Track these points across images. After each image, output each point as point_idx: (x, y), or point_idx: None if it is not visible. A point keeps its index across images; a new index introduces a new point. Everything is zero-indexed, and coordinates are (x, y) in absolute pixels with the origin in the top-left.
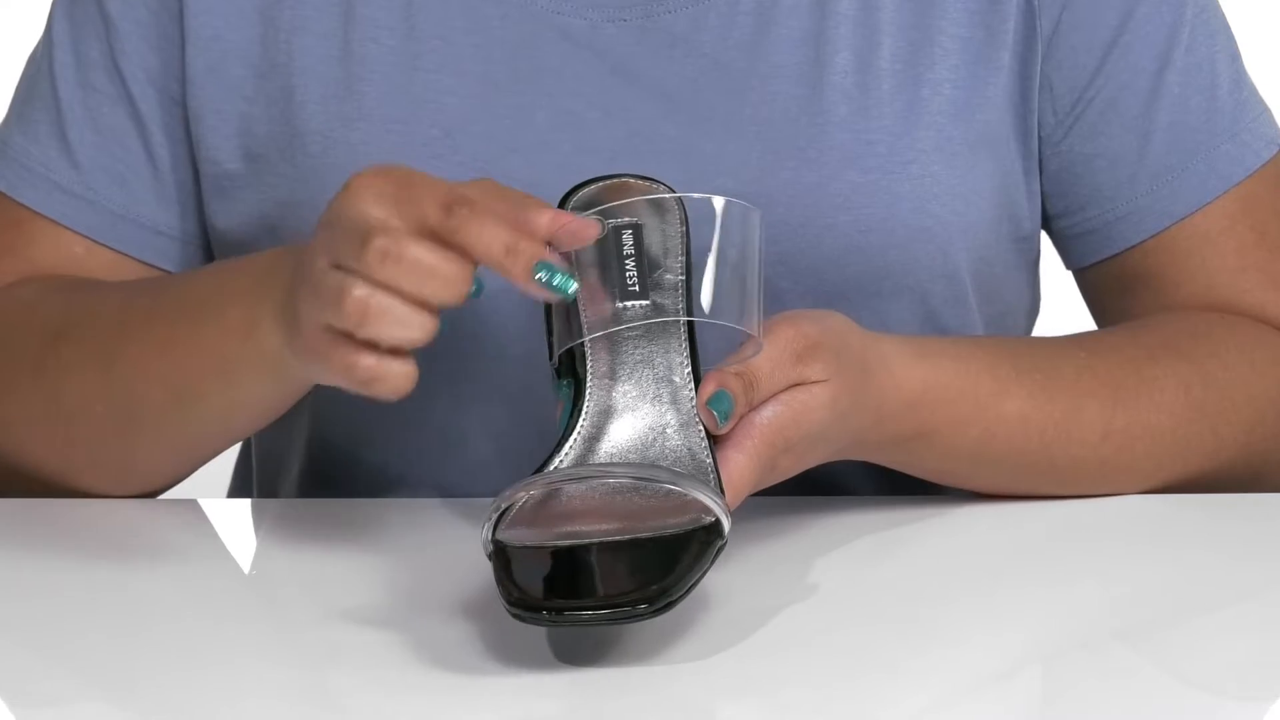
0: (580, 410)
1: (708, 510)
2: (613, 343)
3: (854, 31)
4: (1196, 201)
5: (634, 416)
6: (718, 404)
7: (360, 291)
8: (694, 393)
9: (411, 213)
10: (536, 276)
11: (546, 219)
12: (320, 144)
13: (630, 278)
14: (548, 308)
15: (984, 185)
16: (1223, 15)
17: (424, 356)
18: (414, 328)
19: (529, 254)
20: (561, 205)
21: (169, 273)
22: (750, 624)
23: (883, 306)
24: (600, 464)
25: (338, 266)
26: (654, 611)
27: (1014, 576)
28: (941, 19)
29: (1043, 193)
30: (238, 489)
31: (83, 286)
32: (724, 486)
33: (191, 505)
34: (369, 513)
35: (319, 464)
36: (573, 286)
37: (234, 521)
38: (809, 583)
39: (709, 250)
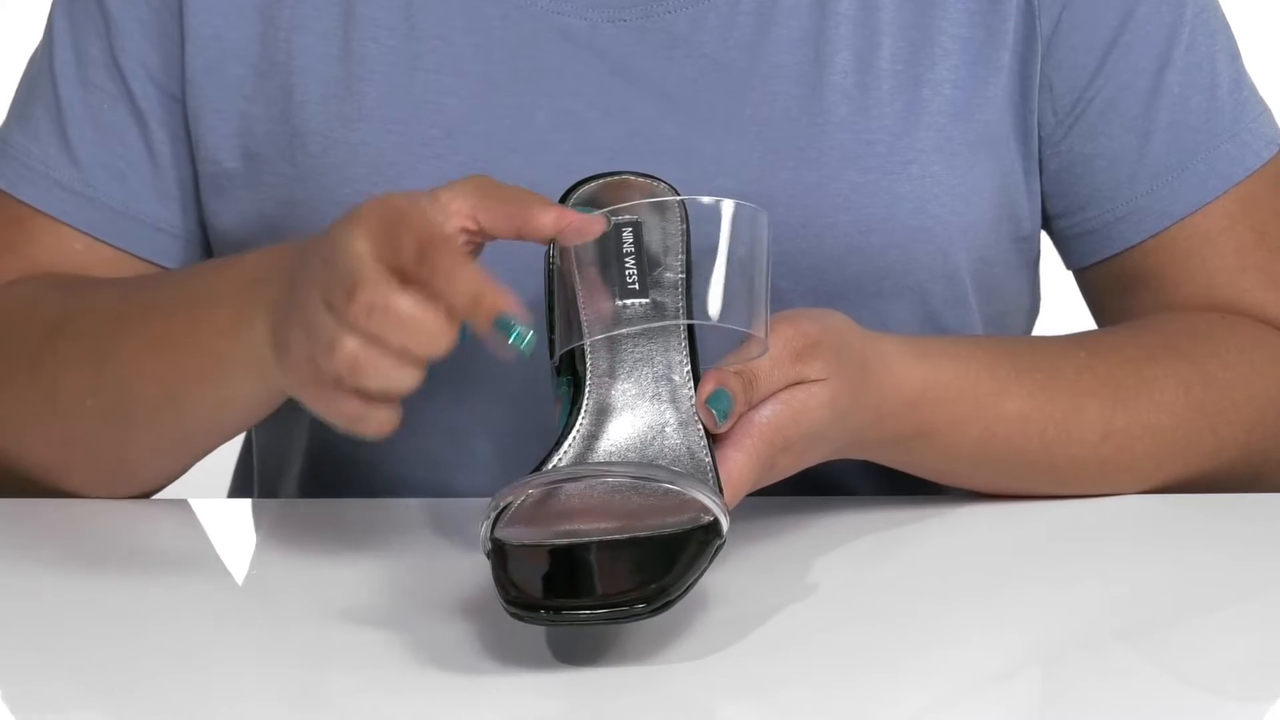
0: (579, 408)
1: (706, 509)
2: (612, 341)
3: (854, 31)
4: (1196, 201)
5: (633, 415)
6: (717, 403)
7: (351, 346)
8: (693, 391)
9: (394, 257)
10: (498, 326)
11: (551, 218)
12: (320, 144)
13: (630, 275)
14: (549, 306)
15: (984, 185)
16: (1223, 15)
17: None
18: (400, 380)
19: (489, 305)
20: (561, 202)
21: (166, 269)
22: (749, 624)
23: (883, 306)
24: (598, 463)
25: (330, 307)
26: (652, 611)
27: (1014, 576)
28: (941, 19)
29: (1043, 193)
30: (238, 489)
31: (80, 283)
32: (723, 485)
33: (191, 505)
34: (369, 513)
35: (319, 464)
36: (528, 342)
37: (234, 522)
38: (808, 582)
39: (717, 253)
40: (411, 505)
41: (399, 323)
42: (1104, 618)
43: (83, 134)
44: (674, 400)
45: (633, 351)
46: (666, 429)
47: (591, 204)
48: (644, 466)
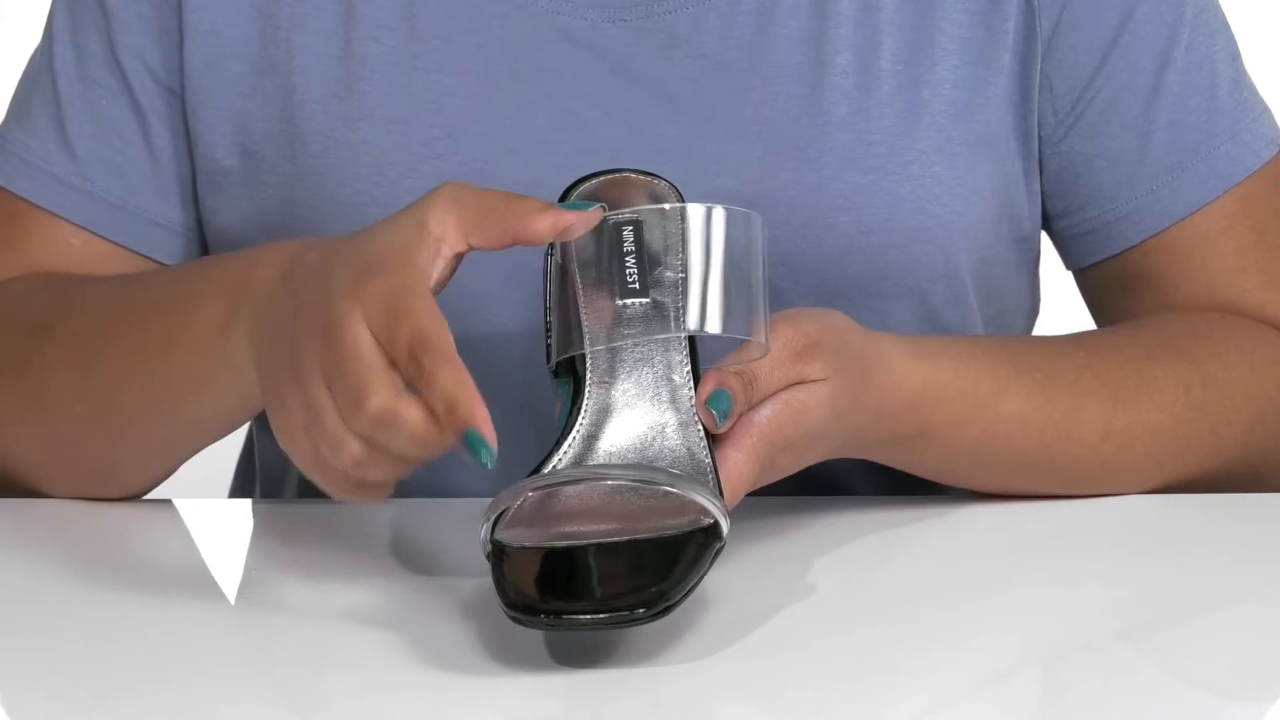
0: (579, 409)
1: (706, 512)
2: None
3: (854, 32)
4: (1197, 201)
5: (633, 415)
6: (717, 403)
7: (356, 449)
8: (693, 392)
9: (391, 350)
10: (465, 441)
11: (547, 224)
12: (321, 144)
13: (630, 275)
14: (546, 306)
15: (984, 185)
16: (1223, 15)
17: None
18: (399, 473)
19: (462, 418)
20: (562, 200)
21: (157, 268)
22: (749, 624)
23: (883, 307)
24: (598, 465)
25: (332, 396)
26: (652, 616)
27: (1014, 576)
28: (941, 19)
29: (1043, 193)
30: (239, 490)
31: (68, 282)
32: (722, 485)
33: (191, 506)
34: (369, 513)
35: None
36: (489, 463)
37: (234, 522)
38: (808, 583)
39: (714, 261)
40: (411, 505)
41: (408, 435)
42: (1105, 618)
43: (81, 129)
44: (674, 401)
45: (633, 352)
46: (666, 429)
47: (591, 201)
48: (643, 469)
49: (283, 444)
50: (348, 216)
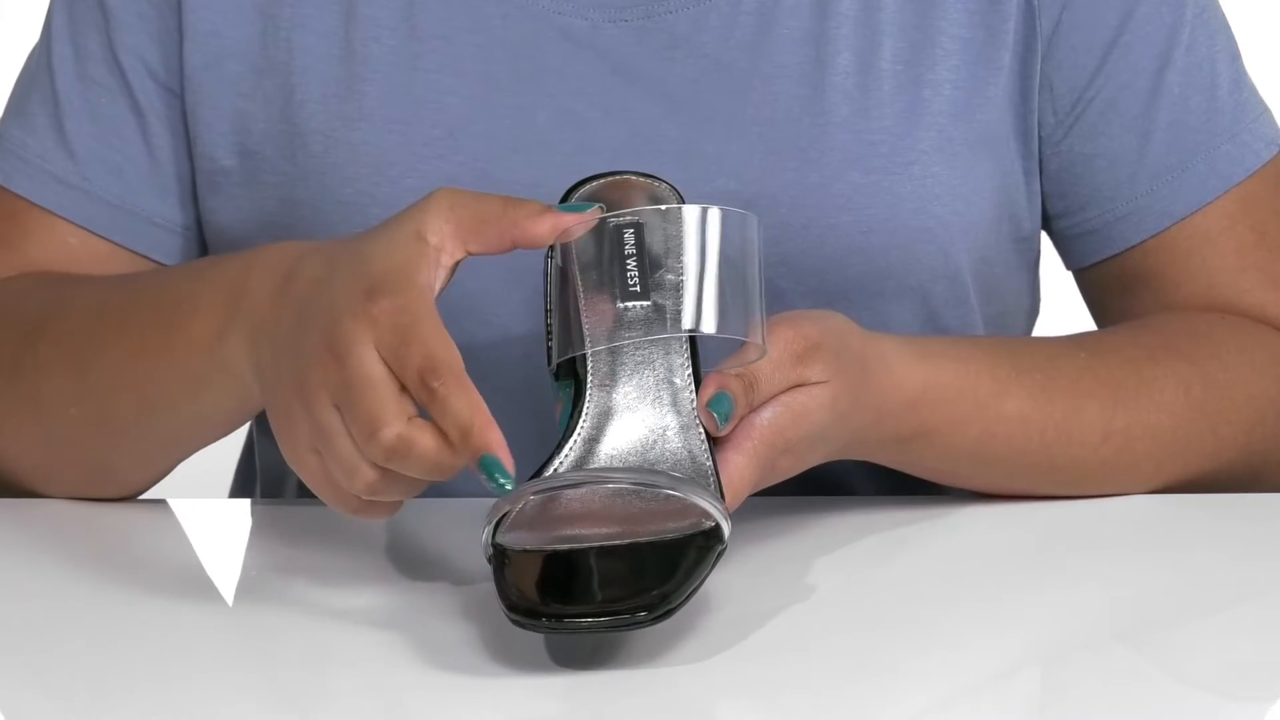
0: (580, 411)
1: (708, 515)
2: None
3: (855, 32)
4: (1197, 201)
5: (634, 418)
6: (718, 406)
7: (371, 476)
8: (694, 395)
9: (402, 375)
10: (481, 466)
11: (546, 227)
12: (321, 143)
13: (631, 277)
14: (547, 309)
15: (984, 185)
16: (1223, 15)
17: None
18: (410, 494)
19: (477, 445)
20: (562, 202)
21: (154, 269)
22: (750, 626)
23: (884, 307)
24: (599, 469)
25: (343, 418)
26: (653, 619)
27: (1015, 577)
28: (942, 19)
29: (1043, 193)
30: (239, 490)
31: (66, 282)
32: (723, 488)
33: (190, 506)
34: None
35: None
36: (508, 490)
37: (234, 522)
38: (809, 584)
39: (709, 262)
40: (411, 506)
41: (421, 462)
42: (1105, 618)
43: (80, 128)
44: (675, 404)
45: (634, 355)
46: (668, 432)
47: (591, 203)
48: (645, 472)
49: (289, 461)
50: (348, 216)
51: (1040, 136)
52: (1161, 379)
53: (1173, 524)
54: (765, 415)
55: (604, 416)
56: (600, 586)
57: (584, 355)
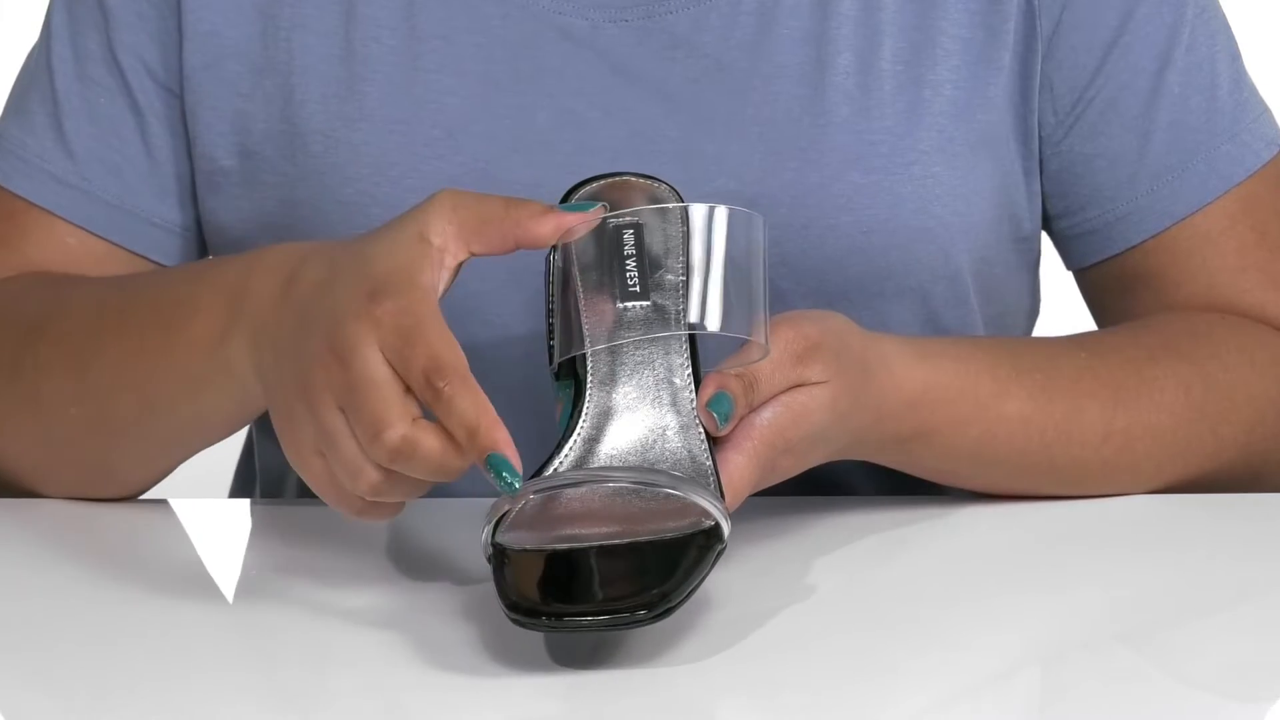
0: (580, 411)
1: (707, 514)
2: (613, 345)
3: (855, 32)
4: (1197, 201)
5: (634, 418)
6: (718, 406)
7: (375, 478)
8: (694, 395)
9: (406, 376)
10: (488, 464)
11: (549, 227)
12: (321, 144)
13: (631, 278)
14: (548, 309)
15: (985, 186)
16: (1223, 15)
17: None
18: (415, 495)
19: (484, 444)
20: (563, 203)
21: (153, 269)
22: (750, 625)
23: (884, 307)
24: (599, 468)
25: (346, 418)
26: (653, 618)
27: (1015, 577)
28: (942, 19)
29: (1043, 193)
30: (239, 490)
31: (65, 282)
32: (723, 488)
33: (190, 506)
34: None
35: None
36: (516, 488)
37: (234, 522)
38: (809, 584)
39: (714, 261)
40: (412, 506)
41: (425, 462)
42: (1105, 618)
43: (79, 128)
44: (675, 404)
45: (634, 355)
46: (667, 432)
47: (592, 201)
48: (645, 472)
49: (293, 463)
50: (349, 217)
51: (1040, 136)
52: (1162, 379)
53: (1173, 524)
54: (765, 415)
55: (604, 416)
56: (600, 586)
57: (584, 355)
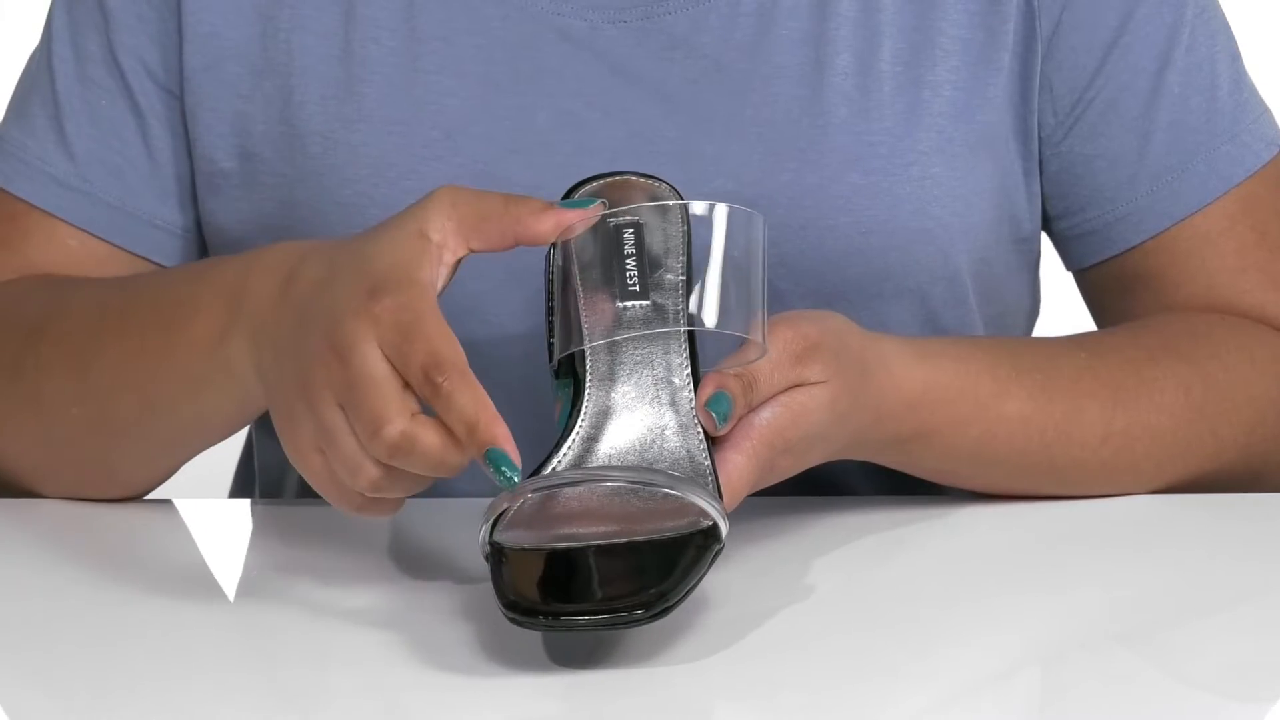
0: (579, 411)
1: (705, 514)
2: (612, 344)
3: (854, 33)
4: (1197, 202)
5: (633, 418)
6: (716, 405)
7: (375, 474)
8: (693, 394)
9: (405, 372)
10: (488, 460)
11: (549, 224)
12: (321, 145)
13: (631, 277)
14: (548, 308)
15: (984, 186)
16: (1223, 15)
17: None
18: (414, 491)
19: (483, 439)
20: (563, 201)
21: (153, 270)
22: (749, 625)
23: (883, 308)
24: (598, 468)
25: (347, 415)
26: (651, 617)
27: (1014, 577)
28: (942, 20)
29: (1043, 194)
30: (239, 490)
31: (66, 284)
32: (722, 488)
33: (191, 506)
34: None
35: None
36: (515, 483)
37: (234, 522)
38: (808, 584)
39: (714, 259)
40: (411, 505)
41: (424, 458)
42: (1105, 618)
43: (80, 129)
44: (674, 403)
45: (633, 354)
46: (666, 432)
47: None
48: (643, 471)
49: (293, 461)
50: (348, 218)
51: (1040, 137)
52: (1162, 380)
53: (1173, 524)
54: (764, 415)
55: (603, 415)
56: (598, 585)
57: (583, 355)
